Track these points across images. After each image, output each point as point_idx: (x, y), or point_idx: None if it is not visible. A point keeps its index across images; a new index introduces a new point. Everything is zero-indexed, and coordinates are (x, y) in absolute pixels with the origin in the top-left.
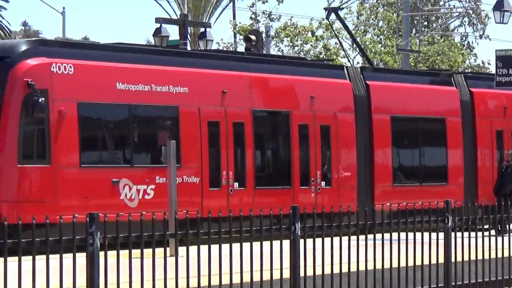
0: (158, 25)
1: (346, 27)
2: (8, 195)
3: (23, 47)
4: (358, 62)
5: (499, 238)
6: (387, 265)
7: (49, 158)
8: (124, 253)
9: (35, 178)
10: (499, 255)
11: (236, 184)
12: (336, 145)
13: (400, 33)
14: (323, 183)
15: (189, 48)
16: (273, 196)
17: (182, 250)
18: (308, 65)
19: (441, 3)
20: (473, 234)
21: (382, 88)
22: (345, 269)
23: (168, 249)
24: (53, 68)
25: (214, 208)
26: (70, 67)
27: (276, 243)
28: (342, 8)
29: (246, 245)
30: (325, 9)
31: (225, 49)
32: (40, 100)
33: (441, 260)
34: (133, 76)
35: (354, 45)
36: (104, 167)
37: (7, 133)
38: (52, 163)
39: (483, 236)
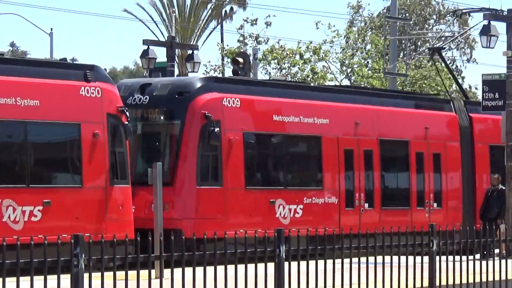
0: (145, 47)
1: (447, 66)
2: (187, 213)
3: (199, 84)
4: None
5: (484, 262)
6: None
7: (221, 180)
8: (109, 274)
9: (210, 198)
10: (484, 279)
11: (366, 205)
12: (445, 170)
13: (388, 56)
14: (435, 204)
15: (176, 70)
16: (395, 216)
17: (166, 272)
18: (421, 99)
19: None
20: (458, 258)
21: (481, 120)
22: None
23: (153, 271)
24: (224, 102)
25: (348, 226)
26: (237, 101)
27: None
28: (444, 48)
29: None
30: (429, 49)
31: (212, 71)
32: (215, 130)
33: (426, 283)
34: (286, 109)
35: (343, 68)
36: (264, 189)
37: (188, 159)
38: (223, 185)
39: (467, 259)
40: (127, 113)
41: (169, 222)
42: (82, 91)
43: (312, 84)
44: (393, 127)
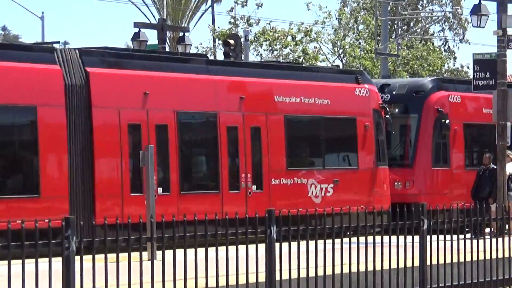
0: (136, 30)
1: None
2: (424, 189)
3: (431, 84)
4: (338, 66)
5: (475, 241)
6: (363, 268)
7: (449, 162)
8: (100, 257)
9: (440, 177)
10: (474, 258)
11: None
12: None
13: (379, 37)
14: None
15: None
16: None
17: (162, 253)
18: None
19: (421, 7)
20: (449, 237)
21: None
22: (321, 273)
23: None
24: (450, 98)
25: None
26: (458, 97)
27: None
28: None
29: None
30: None
31: (204, 53)
32: (445, 122)
33: (417, 263)
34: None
35: (335, 49)
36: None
37: (425, 145)
38: (450, 166)
39: (458, 239)
40: (387, 109)
41: (409, 197)
42: (356, 91)
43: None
44: None
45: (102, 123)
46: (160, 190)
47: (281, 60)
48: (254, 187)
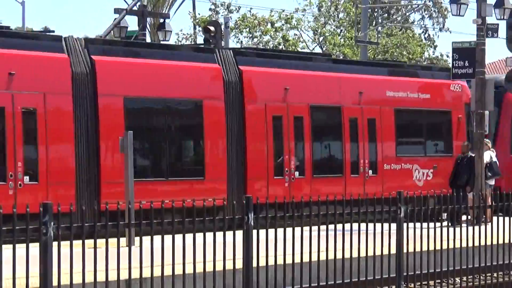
0: (117, 16)
1: None
2: (505, 173)
3: None
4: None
5: (451, 229)
6: (340, 255)
7: None
8: (78, 243)
9: None
10: (451, 246)
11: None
12: None
13: (359, 25)
14: None
15: (148, 38)
16: None
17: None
18: None
19: None
20: (425, 225)
21: None
22: (297, 260)
23: (123, 239)
24: None
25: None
26: None
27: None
28: None
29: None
30: None
31: (184, 40)
32: None
33: (393, 251)
34: None
35: (315, 36)
36: None
37: (504, 134)
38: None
39: (434, 227)
40: None
41: None
42: (451, 87)
43: None
44: None
45: (252, 116)
46: (296, 174)
47: (262, 46)
48: (370, 171)
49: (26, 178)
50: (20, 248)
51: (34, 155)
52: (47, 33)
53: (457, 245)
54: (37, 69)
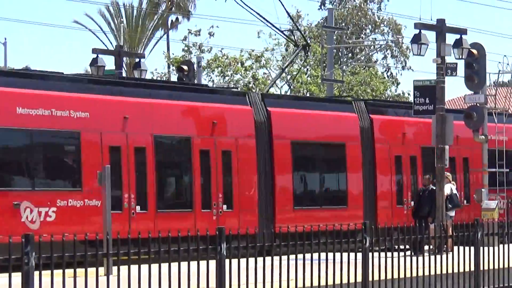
0: (95, 56)
1: None
2: None
3: None
4: (286, 91)
5: (414, 258)
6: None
7: None
8: (59, 272)
9: None
10: (414, 274)
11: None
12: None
13: (325, 64)
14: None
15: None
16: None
17: (121, 269)
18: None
19: (364, 36)
20: (389, 254)
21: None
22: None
23: (102, 268)
24: None
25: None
26: None
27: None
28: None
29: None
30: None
31: (158, 78)
32: None
33: (359, 279)
34: None
35: (283, 75)
36: None
37: None
38: None
39: (398, 256)
40: None
41: None
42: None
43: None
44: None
45: (382, 156)
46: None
47: (232, 85)
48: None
49: (225, 207)
50: (3, 277)
51: (230, 187)
52: (234, 89)
53: (420, 273)
54: (231, 119)
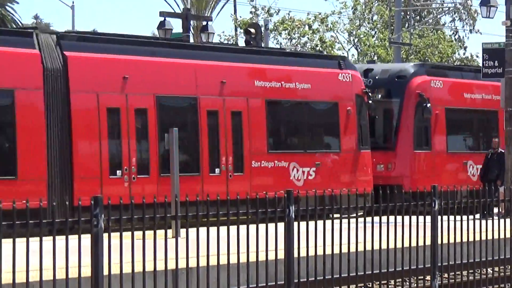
0: (162, 19)
1: None
2: (406, 172)
3: (412, 70)
4: (352, 55)
5: (484, 221)
6: (377, 246)
7: (430, 146)
8: (127, 234)
9: (422, 160)
10: (483, 237)
11: None
12: None
13: (393, 27)
14: None
15: (191, 40)
16: None
17: (184, 231)
18: None
19: None
20: (459, 217)
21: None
22: (336, 251)
23: (170, 230)
24: (432, 83)
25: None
26: (440, 83)
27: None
28: None
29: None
30: None
31: (225, 41)
32: (427, 105)
33: (428, 242)
34: (473, 88)
35: (350, 38)
36: (457, 153)
37: (406, 129)
38: (431, 150)
39: (468, 219)
40: (369, 94)
41: (391, 179)
42: (339, 76)
43: None
44: None
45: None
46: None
47: (300, 48)
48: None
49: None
50: (73, 239)
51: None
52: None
53: (489, 236)
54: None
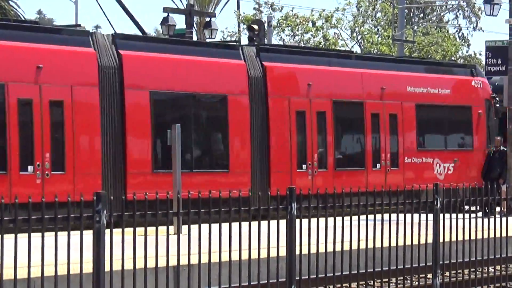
0: (165, 15)
1: None
2: None
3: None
4: (355, 51)
5: (486, 220)
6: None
7: None
8: (129, 230)
9: None
10: (485, 236)
11: None
12: None
13: (396, 24)
14: None
15: (195, 37)
16: None
17: (186, 228)
18: None
19: None
20: (461, 215)
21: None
22: (338, 248)
23: (172, 227)
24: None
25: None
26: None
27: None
28: None
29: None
30: None
31: (229, 37)
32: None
33: (430, 240)
34: None
35: (353, 35)
36: None
37: None
38: None
39: (470, 217)
40: (496, 98)
41: None
42: (472, 83)
43: None
44: None
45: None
46: None
47: (303, 45)
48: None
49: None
50: (76, 235)
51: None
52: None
53: (491, 235)
54: None
